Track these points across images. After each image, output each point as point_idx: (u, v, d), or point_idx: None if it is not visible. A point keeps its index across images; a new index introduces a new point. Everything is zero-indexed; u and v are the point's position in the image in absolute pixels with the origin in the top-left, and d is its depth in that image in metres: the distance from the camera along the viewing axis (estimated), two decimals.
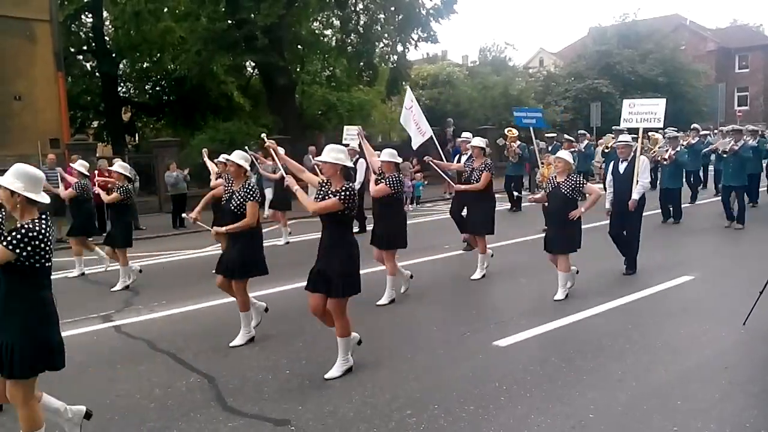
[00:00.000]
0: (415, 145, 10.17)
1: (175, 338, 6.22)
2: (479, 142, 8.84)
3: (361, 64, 23.72)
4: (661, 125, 8.95)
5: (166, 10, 21.46)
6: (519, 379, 4.93)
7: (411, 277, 7.89)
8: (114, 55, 23.77)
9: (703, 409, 4.37)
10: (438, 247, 10.74)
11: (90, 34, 23.89)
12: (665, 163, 12.61)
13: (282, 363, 5.45)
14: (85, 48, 24.34)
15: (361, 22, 23.57)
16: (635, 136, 17.28)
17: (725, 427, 4.08)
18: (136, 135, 28.23)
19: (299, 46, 23.73)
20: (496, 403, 4.50)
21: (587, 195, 7.21)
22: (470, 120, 27.66)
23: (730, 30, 50.61)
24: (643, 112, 8.82)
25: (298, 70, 24.10)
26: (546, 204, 7.77)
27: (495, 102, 30.03)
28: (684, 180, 15.12)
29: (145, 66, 25.31)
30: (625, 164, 8.51)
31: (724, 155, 11.78)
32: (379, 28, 23.43)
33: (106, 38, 23.87)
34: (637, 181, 8.19)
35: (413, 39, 23.50)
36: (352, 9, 23.27)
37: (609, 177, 8.69)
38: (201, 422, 4.37)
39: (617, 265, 9.03)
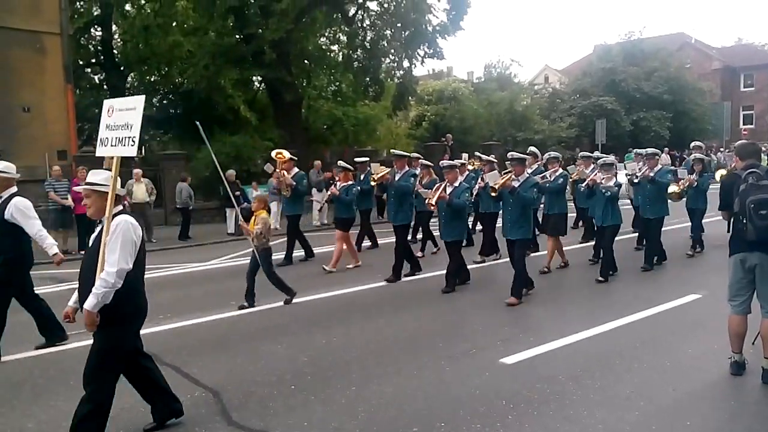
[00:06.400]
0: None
1: (180, 351, 6.19)
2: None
3: (368, 79, 23.91)
4: (134, 152, 4.24)
5: (174, 24, 21.68)
6: (526, 397, 4.89)
7: None
8: (122, 68, 24.03)
9: (712, 429, 4.32)
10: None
11: (99, 48, 24.18)
12: (432, 208, 8.81)
13: (287, 378, 5.42)
14: (93, 61, 24.61)
15: (368, 38, 23.81)
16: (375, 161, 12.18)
17: None
18: (143, 148, 28.40)
19: (306, 61, 23.94)
20: (503, 421, 4.46)
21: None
22: (475, 136, 27.78)
23: (736, 48, 50.86)
24: (120, 125, 4.28)
25: (304, 84, 24.27)
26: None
27: (500, 118, 30.21)
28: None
29: (153, 79, 25.52)
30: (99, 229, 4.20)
31: (493, 194, 8.22)
32: (386, 44, 23.64)
33: (115, 52, 24.14)
34: (102, 270, 3.93)
35: (419, 55, 23.68)
36: (359, 25, 23.50)
37: None
38: None
39: (625, 283, 9.00)
